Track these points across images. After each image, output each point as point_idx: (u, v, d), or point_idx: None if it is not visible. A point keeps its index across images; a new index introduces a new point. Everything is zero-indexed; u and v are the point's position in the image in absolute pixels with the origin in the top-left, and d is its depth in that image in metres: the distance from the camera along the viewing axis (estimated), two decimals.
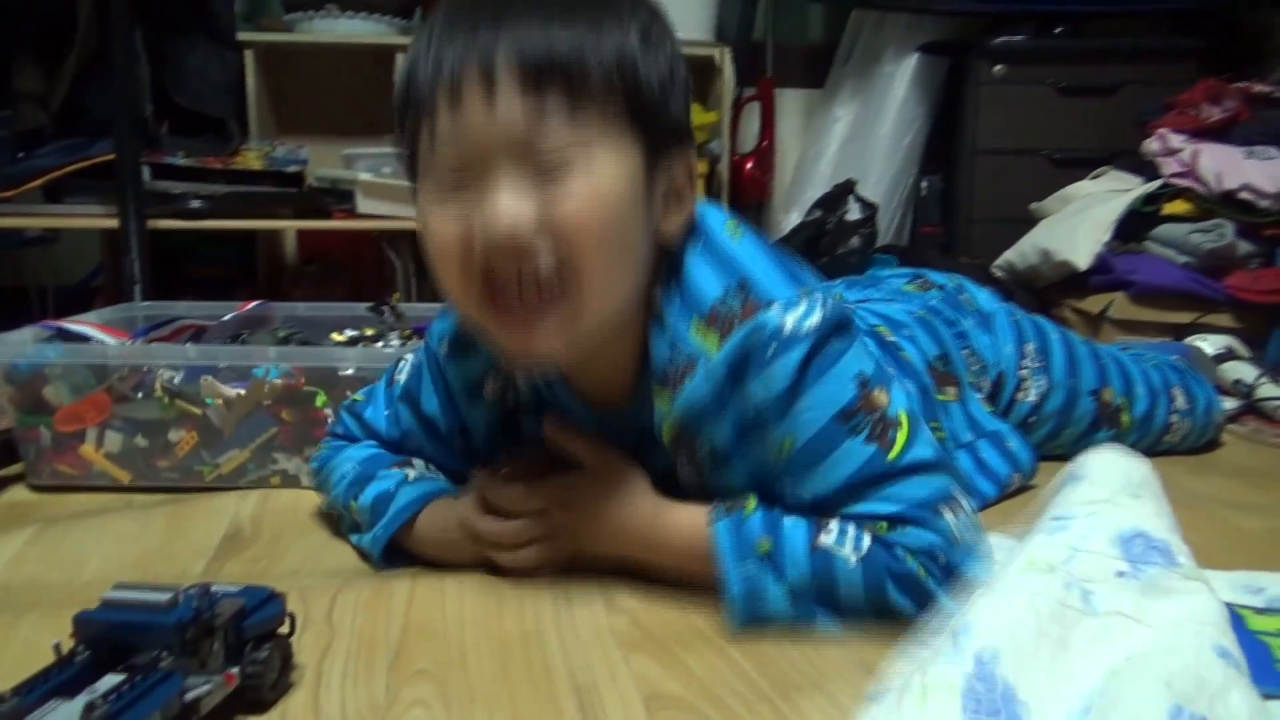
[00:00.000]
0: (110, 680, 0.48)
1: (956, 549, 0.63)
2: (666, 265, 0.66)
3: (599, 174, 0.59)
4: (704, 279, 0.65)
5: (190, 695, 0.48)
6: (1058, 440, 1.03)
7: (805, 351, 0.62)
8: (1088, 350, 1.05)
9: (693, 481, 0.70)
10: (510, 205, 0.58)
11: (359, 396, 0.85)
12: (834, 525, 0.64)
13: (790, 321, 0.62)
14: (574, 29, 0.59)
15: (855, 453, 0.63)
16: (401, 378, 0.81)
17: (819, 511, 0.65)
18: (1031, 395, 1.00)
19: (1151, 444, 1.07)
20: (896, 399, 0.65)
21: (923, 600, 0.61)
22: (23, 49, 1.63)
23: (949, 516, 0.63)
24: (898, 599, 0.62)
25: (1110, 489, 0.60)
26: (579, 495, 0.70)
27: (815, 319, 0.63)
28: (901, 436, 0.64)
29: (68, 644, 0.51)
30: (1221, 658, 0.47)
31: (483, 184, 0.59)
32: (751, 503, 0.66)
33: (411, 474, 0.77)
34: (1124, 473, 0.62)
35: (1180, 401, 1.08)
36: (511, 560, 0.70)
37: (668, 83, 0.63)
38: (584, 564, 0.71)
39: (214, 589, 0.53)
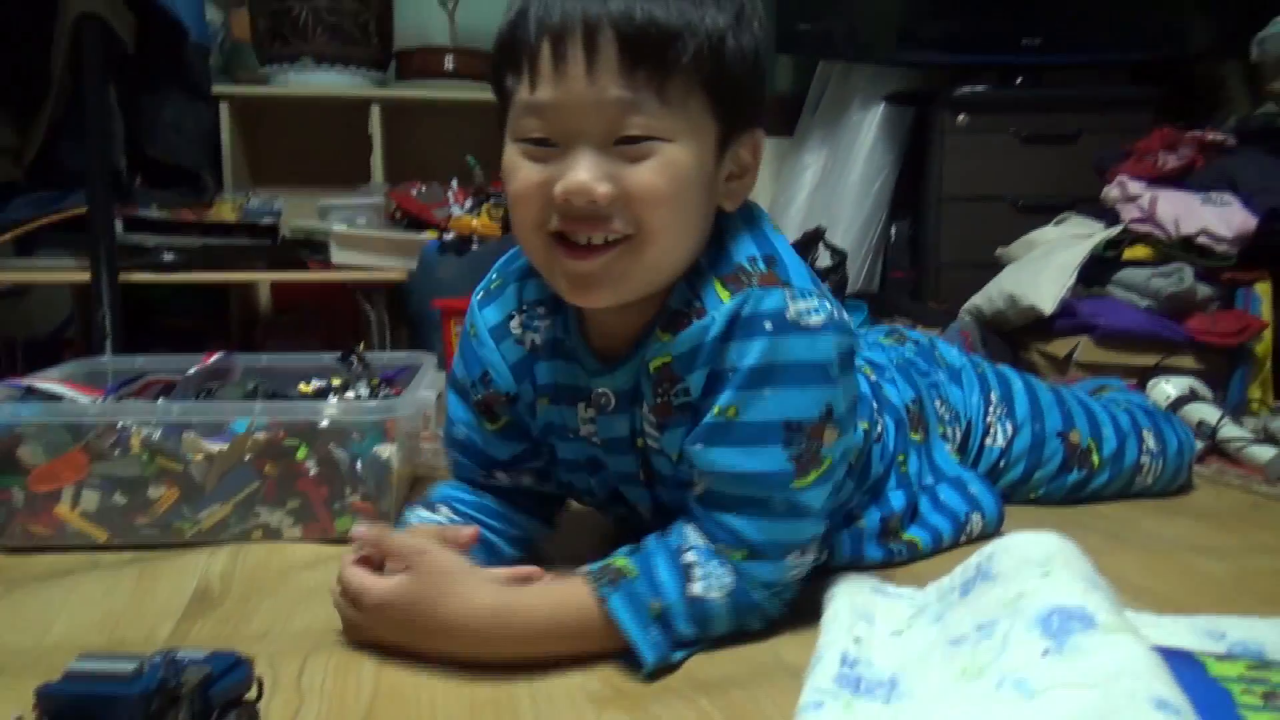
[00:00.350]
0: None
1: (792, 586, 0.72)
2: (715, 234, 0.71)
3: (677, 153, 0.64)
4: (740, 245, 0.70)
5: None
6: (1030, 483, 1.05)
7: (802, 348, 0.66)
8: (1052, 396, 1.08)
9: (652, 435, 0.74)
10: (592, 177, 0.62)
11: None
12: (698, 564, 0.67)
13: (794, 309, 0.66)
14: (678, 5, 0.62)
15: (773, 459, 0.67)
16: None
17: (702, 497, 0.69)
18: (999, 440, 1.03)
19: (1125, 485, 1.09)
20: (836, 446, 0.70)
21: (768, 623, 0.71)
22: None
23: (794, 558, 0.70)
24: (751, 624, 0.70)
25: (1021, 581, 0.64)
26: (405, 599, 0.66)
27: (817, 319, 0.66)
28: (814, 475, 0.68)
29: (30, 716, 0.50)
30: (1159, 709, 0.48)
31: (569, 148, 0.64)
32: (622, 562, 0.68)
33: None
34: (1029, 556, 0.67)
35: (1150, 442, 1.10)
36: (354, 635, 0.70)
37: (752, 64, 0.66)
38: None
39: (179, 656, 0.52)
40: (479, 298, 0.81)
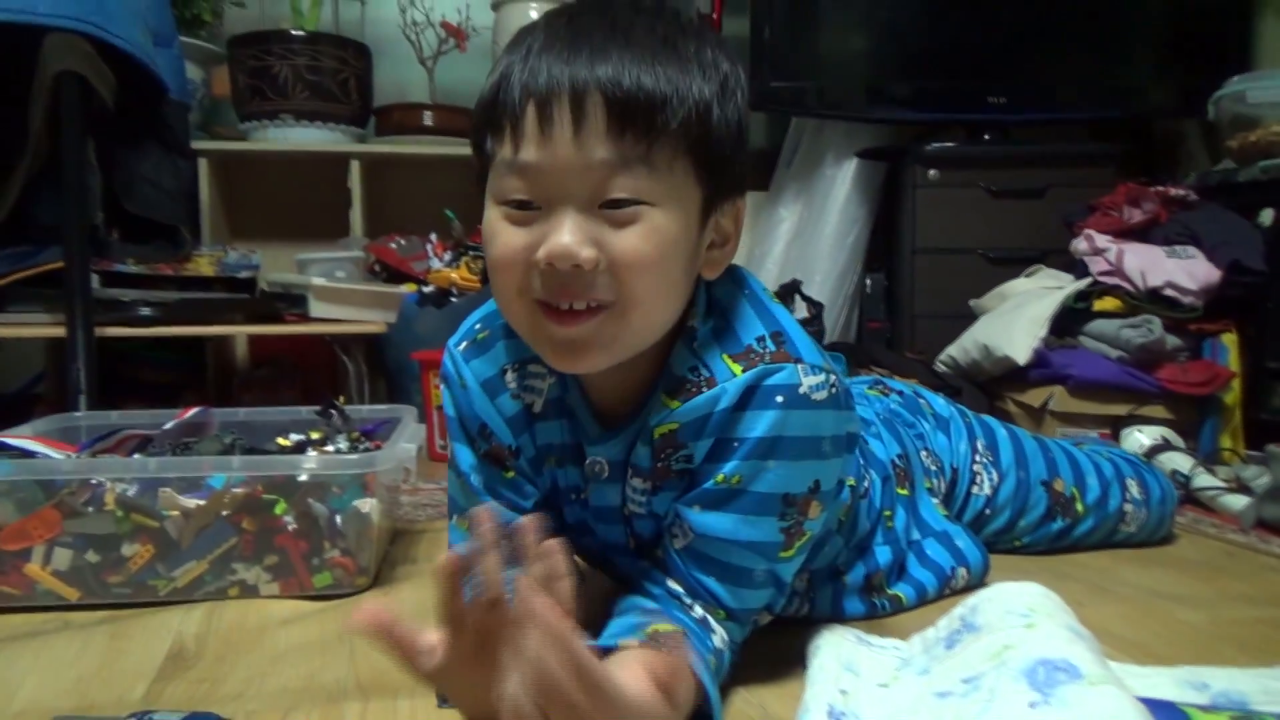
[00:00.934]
0: None
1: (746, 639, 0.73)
2: (707, 300, 0.71)
3: (662, 219, 0.63)
4: (747, 323, 0.70)
5: None
6: (1014, 531, 1.06)
7: (805, 423, 0.66)
8: (1036, 445, 1.09)
9: (639, 501, 0.73)
10: (576, 241, 0.61)
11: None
12: (709, 620, 0.68)
13: (805, 384, 0.67)
14: (666, 73, 0.62)
15: (767, 530, 0.68)
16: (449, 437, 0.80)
17: (685, 552, 0.69)
18: (985, 489, 1.04)
19: (1108, 533, 1.10)
20: (817, 521, 0.71)
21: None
22: None
23: (758, 618, 0.74)
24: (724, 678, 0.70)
25: (1005, 632, 0.65)
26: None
27: (821, 395, 0.67)
28: (796, 546, 0.70)
29: None
30: None
31: (552, 210, 0.63)
32: (666, 626, 0.64)
33: None
34: (1012, 607, 0.68)
35: (1134, 490, 1.11)
36: None
37: (736, 134, 0.66)
38: None
39: (155, 718, 0.51)
40: (462, 348, 0.78)
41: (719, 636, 0.68)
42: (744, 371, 0.67)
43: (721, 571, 0.69)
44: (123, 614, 0.90)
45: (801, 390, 0.66)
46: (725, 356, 0.69)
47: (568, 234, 0.61)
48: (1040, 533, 1.07)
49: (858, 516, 0.85)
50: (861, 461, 0.87)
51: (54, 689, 0.74)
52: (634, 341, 0.67)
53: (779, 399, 0.66)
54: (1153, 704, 0.58)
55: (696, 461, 0.69)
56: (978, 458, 1.04)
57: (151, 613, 0.90)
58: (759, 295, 0.73)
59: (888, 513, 0.90)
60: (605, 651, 0.60)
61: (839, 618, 0.83)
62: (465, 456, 0.78)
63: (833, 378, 0.69)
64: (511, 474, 0.77)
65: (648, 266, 0.63)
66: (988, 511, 1.04)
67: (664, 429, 0.70)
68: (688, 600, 0.69)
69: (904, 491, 0.93)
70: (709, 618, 0.69)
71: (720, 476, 0.67)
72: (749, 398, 0.67)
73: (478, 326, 0.79)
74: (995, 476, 1.04)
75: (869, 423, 0.96)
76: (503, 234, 0.64)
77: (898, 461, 0.94)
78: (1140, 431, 1.46)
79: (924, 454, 0.99)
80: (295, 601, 0.93)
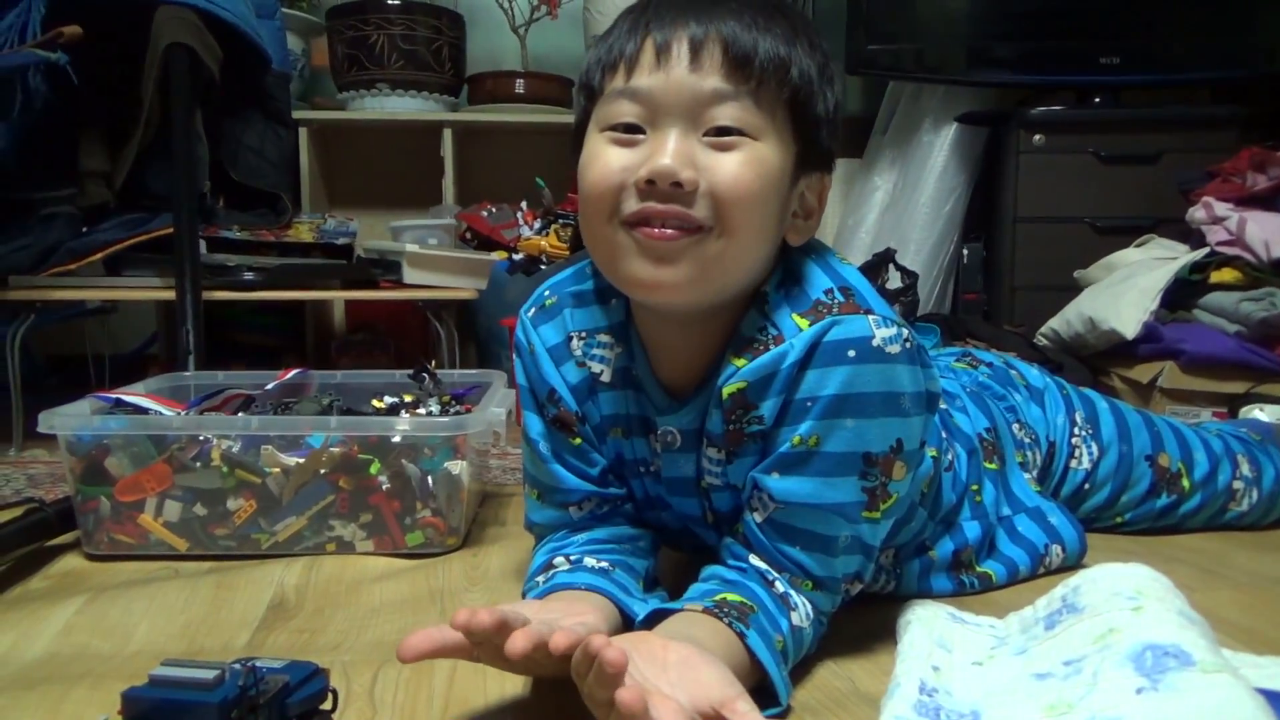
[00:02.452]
0: None
1: (839, 606, 0.72)
2: (782, 266, 0.71)
3: (762, 153, 0.65)
4: (813, 280, 0.69)
5: None
6: (1116, 507, 1.02)
7: (882, 377, 0.65)
8: (1140, 418, 1.04)
9: (714, 472, 0.72)
10: (680, 161, 0.63)
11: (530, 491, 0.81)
12: (789, 594, 0.67)
13: (879, 336, 0.65)
14: (775, 37, 0.65)
15: (849, 491, 0.66)
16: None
17: (766, 525, 0.68)
18: (1084, 463, 1.00)
19: (1216, 512, 1.04)
20: (904, 482, 0.69)
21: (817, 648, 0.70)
22: (89, 129, 1.71)
23: (846, 586, 0.71)
24: (812, 652, 0.70)
25: (1110, 615, 0.62)
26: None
27: (895, 348, 0.65)
28: (882, 508, 0.68)
29: (115, 719, 0.51)
30: None
31: (659, 133, 0.65)
32: (735, 597, 0.65)
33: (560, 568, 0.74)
34: (1118, 589, 0.65)
35: (1245, 469, 1.05)
36: None
37: (828, 113, 0.69)
38: None
39: (258, 665, 0.53)
40: (531, 314, 0.79)
41: (799, 614, 0.67)
42: (810, 325, 0.66)
43: (807, 540, 0.67)
44: (227, 565, 0.94)
45: (875, 342, 0.65)
46: (794, 315, 0.68)
47: (670, 154, 0.63)
48: (1143, 509, 1.02)
49: (941, 490, 0.82)
50: (945, 434, 0.85)
51: (165, 633, 0.77)
52: (720, 277, 0.66)
53: (850, 353, 0.64)
54: (1272, 696, 0.55)
55: (768, 423, 0.68)
56: (1076, 430, 1.00)
57: (254, 565, 0.94)
58: (826, 256, 0.72)
59: (975, 487, 0.86)
60: (665, 614, 0.64)
61: (926, 594, 0.81)
62: (534, 424, 0.78)
63: (905, 331, 0.67)
64: (579, 440, 0.77)
65: (748, 194, 0.64)
66: (1087, 486, 1.00)
67: (732, 388, 0.68)
68: (771, 575, 0.68)
69: (993, 466, 0.89)
70: (791, 593, 0.67)
71: (796, 439, 0.66)
72: (815, 354, 0.65)
73: (547, 293, 0.79)
74: (1096, 450, 1.00)
75: (953, 396, 0.93)
76: (603, 155, 0.66)
77: (985, 435, 0.90)
78: (1261, 410, 1.38)
79: (1016, 426, 0.95)
80: (388, 559, 0.96)
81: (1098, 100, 2.16)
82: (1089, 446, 1.00)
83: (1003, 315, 2.14)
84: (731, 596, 0.65)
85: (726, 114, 0.64)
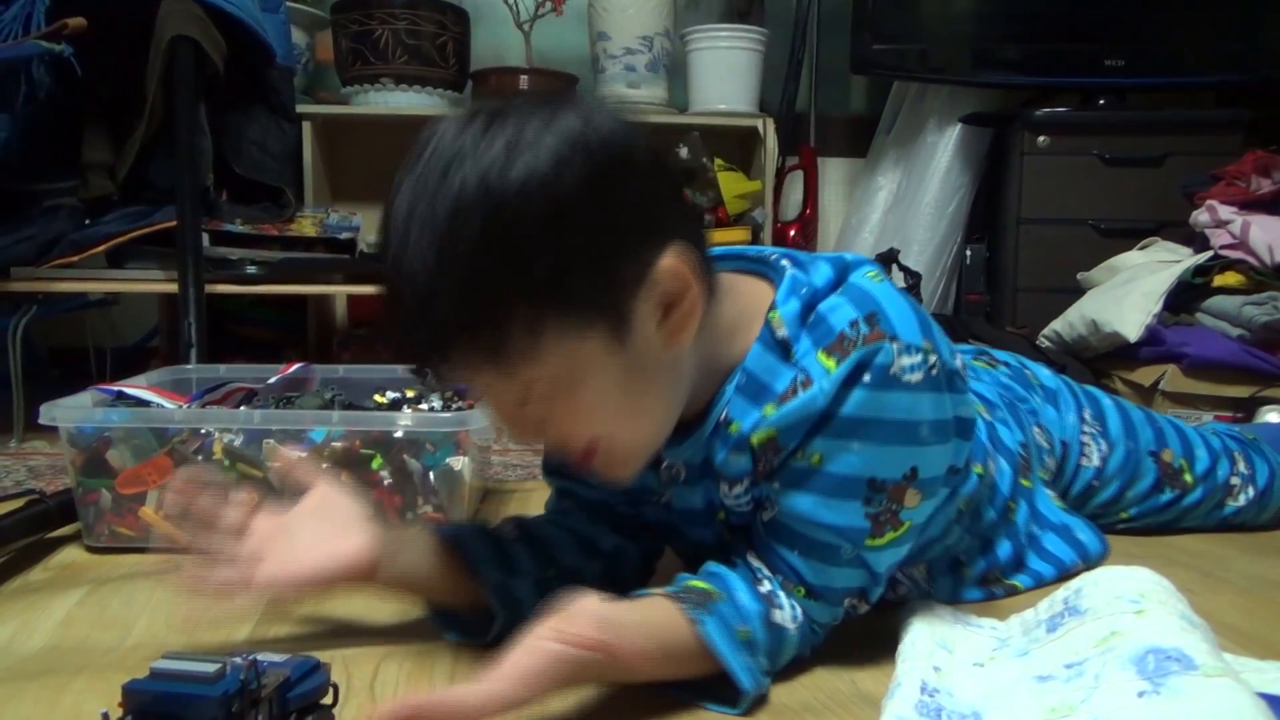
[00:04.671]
0: None
1: (838, 624, 0.70)
2: (795, 296, 0.66)
3: (581, 389, 0.60)
4: (840, 309, 0.65)
5: None
6: (1121, 502, 1.02)
7: (897, 405, 0.63)
8: (1142, 414, 1.05)
9: (742, 500, 0.70)
10: (521, 435, 0.65)
11: None
12: (774, 593, 0.66)
13: (898, 364, 0.63)
14: (470, 307, 0.57)
15: (849, 515, 0.65)
16: None
17: (769, 526, 0.67)
18: (1094, 459, 1.00)
19: (1215, 504, 1.05)
20: (919, 510, 0.67)
21: (811, 653, 0.69)
22: (93, 122, 1.71)
23: (850, 603, 0.69)
24: (804, 654, 0.68)
25: (1113, 618, 0.62)
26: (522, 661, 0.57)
27: (917, 376, 0.63)
28: (890, 536, 0.66)
29: (115, 712, 0.51)
30: None
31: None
32: (702, 585, 0.65)
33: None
34: (1120, 592, 0.64)
35: (1241, 465, 1.06)
36: None
37: (595, 255, 0.58)
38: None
39: (259, 659, 0.53)
40: None
41: (784, 613, 0.66)
42: (837, 365, 0.63)
43: (805, 546, 0.66)
44: None
45: (892, 370, 0.63)
46: (820, 352, 0.64)
47: (515, 431, 0.65)
48: (1149, 504, 1.02)
49: (981, 505, 0.81)
50: (989, 447, 0.83)
51: (165, 626, 0.77)
52: (654, 442, 0.67)
53: (865, 378, 0.63)
54: (1274, 700, 0.55)
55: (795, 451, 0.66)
56: (1085, 428, 1.00)
57: None
58: (853, 282, 0.67)
59: (1011, 504, 0.85)
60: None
61: (956, 602, 0.80)
62: None
63: (933, 358, 0.64)
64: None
65: (590, 430, 0.63)
66: (1096, 483, 1.00)
67: (761, 437, 0.66)
68: (762, 574, 0.67)
69: (1026, 483, 0.89)
70: (779, 593, 0.66)
71: (800, 453, 0.65)
72: (851, 384, 0.63)
73: None
74: (1104, 446, 1.00)
75: (996, 406, 0.91)
76: None
77: (1021, 450, 0.89)
78: (1274, 412, 1.39)
79: (1036, 430, 0.95)
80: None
81: (1102, 102, 2.16)
82: (1098, 443, 1.00)
83: (1005, 317, 2.14)
84: (699, 584, 0.66)
85: (510, 391, 0.60)
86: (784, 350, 0.66)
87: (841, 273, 0.69)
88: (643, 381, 0.63)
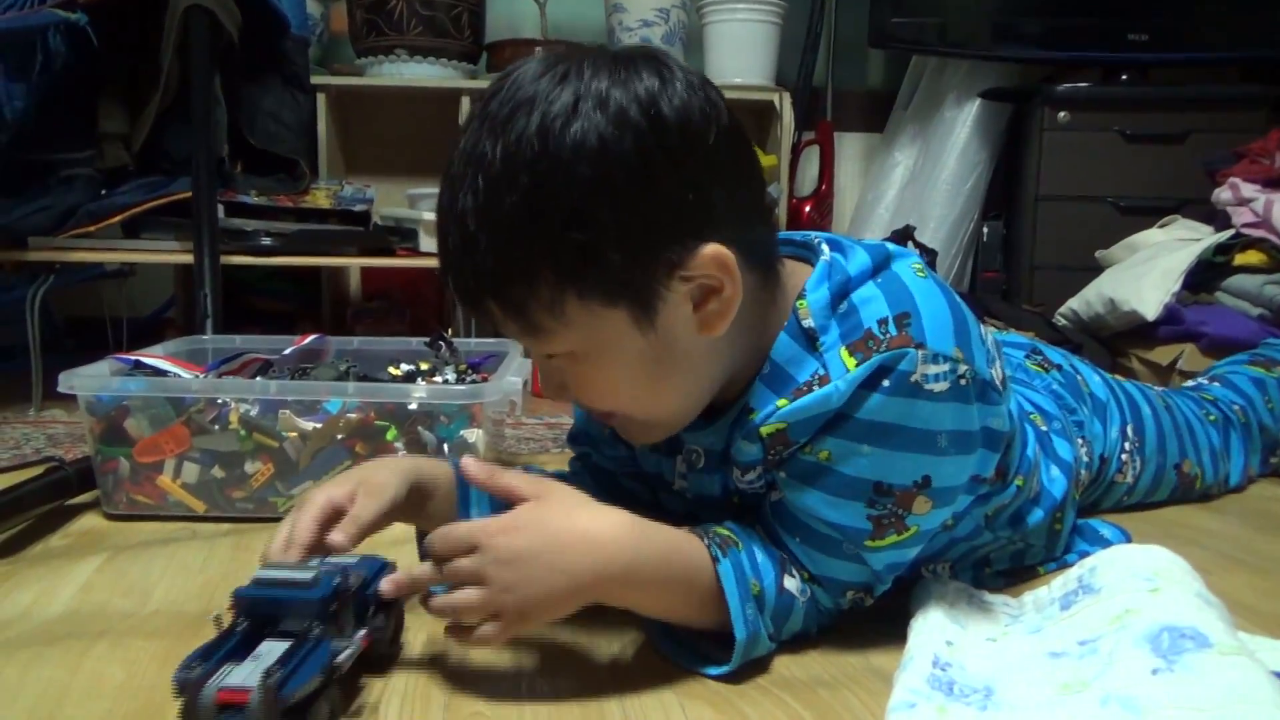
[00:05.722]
0: (269, 646, 0.54)
1: (838, 615, 0.69)
2: (830, 281, 0.65)
3: (601, 361, 0.62)
4: (870, 306, 0.64)
5: (337, 659, 0.55)
6: (1126, 503, 1.03)
7: (914, 413, 0.62)
8: (1170, 422, 1.03)
9: (752, 488, 0.69)
10: (546, 388, 0.67)
11: None
12: (787, 561, 0.67)
13: (920, 373, 0.61)
14: (482, 270, 0.59)
15: (851, 515, 0.64)
16: None
17: (777, 516, 0.67)
18: (1129, 478, 1.00)
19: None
20: (929, 517, 0.66)
21: (818, 632, 0.69)
22: (108, 92, 1.71)
23: (852, 595, 0.68)
24: (810, 631, 0.68)
25: (1127, 595, 0.62)
26: (536, 514, 0.60)
27: (941, 386, 0.62)
28: (891, 540, 0.65)
29: (226, 616, 0.57)
30: None
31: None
32: (727, 532, 0.66)
33: None
34: (1135, 570, 0.65)
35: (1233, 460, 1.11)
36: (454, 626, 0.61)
37: (634, 233, 0.58)
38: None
39: (342, 563, 0.59)
40: None
41: (795, 583, 0.66)
42: (858, 365, 0.62)
43: (806, 536, 0.66)
44: (245, 527, 0.94)
45: (913, 379, 0.61)
46: (843, 348, 0.63)
47: (540, 375, 0.68)
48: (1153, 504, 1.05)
49: (1024, 511, 0.79)
50: (1040, 459, 0.80)
51: (183, 592, 0.78)
52: (675, 420, 0.68)
53: (885, 383, 0.61)
54: None
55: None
56: (1127, 445, 0.98)
57: (272, 527, 0.93)
58: (895, 273, 0.65)
59: (1059, 513, 0.83)
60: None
61: (979, 587, 0.79)
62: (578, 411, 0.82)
63: (964, 368, 0.62)
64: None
65: (609, 399, 0.65)
66: (1126, 498, 1.01)
67: (771, 429, 0.65)
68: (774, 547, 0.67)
69: (1076, 495, 0.87)
70: (790, 565, 0.66)
71: (809, 449, 0.64)
72: (870, 387, 0.62)
73: None
74: (1139, 464, 1.00)
75: (1053, 418, 0.88)
76: None
77: (1072, 466, 0.86)
78: None
79: (1080, 442, 0.92)
80: (405, 526, 0.96)
81: (1124, 78, 2.12)
82: (1135, 461, 0.99)
83: (1022, 294, 2.12)
84: (725, 531, 0.66)
85: (541, 347, 0.63)
86: (809, 340, 0.65)
87: (882, 261, 0.67)
88: (668, 364, 0.63)
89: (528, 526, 0.58)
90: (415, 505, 0.70)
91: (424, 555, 0.60)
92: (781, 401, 0.64)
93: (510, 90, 0.58)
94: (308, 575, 0.57)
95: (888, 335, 0.62)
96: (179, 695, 0.51)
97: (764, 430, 0.65)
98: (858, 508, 0.64)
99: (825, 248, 0.68)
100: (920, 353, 0.61)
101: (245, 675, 0.50)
